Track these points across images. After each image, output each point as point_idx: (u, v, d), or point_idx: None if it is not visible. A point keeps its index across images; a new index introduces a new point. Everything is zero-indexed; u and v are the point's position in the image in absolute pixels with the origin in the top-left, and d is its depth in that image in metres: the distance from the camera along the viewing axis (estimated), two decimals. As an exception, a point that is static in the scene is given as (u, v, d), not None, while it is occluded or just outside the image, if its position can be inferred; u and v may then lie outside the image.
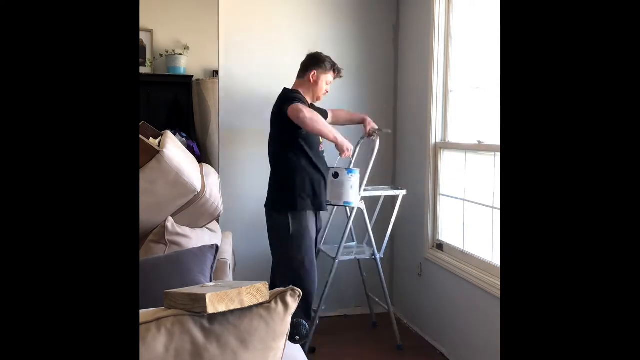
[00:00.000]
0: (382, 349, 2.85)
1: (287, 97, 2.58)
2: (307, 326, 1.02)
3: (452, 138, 2.90)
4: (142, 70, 4.53)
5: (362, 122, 2.94)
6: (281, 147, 2.62)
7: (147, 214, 1.78)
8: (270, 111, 2.70)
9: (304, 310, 2.56)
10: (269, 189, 2.68)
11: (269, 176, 2.70)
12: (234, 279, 2.11)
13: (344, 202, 2.59)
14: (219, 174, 2.85)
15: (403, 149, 3.33)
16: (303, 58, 3.25)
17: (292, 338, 1.00)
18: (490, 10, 2.50)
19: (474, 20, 2.68)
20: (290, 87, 2.78)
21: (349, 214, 2.86)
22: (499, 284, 2.09)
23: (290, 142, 2.58)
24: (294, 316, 0.98)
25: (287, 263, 2.58)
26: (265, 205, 2.68)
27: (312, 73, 2.70)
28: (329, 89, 2.80)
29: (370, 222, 2.91)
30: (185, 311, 0.90)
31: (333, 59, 3.25)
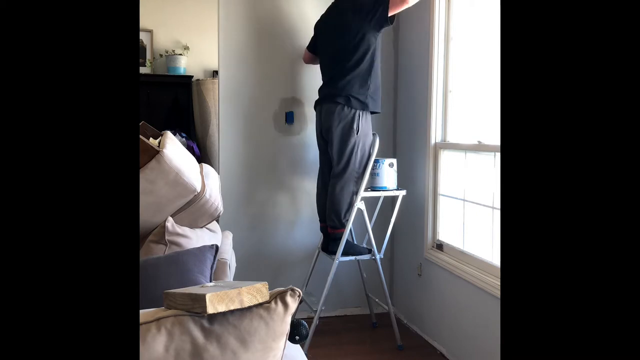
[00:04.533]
0: (382, 349, 2.85)
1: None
2: (307, 326, 1.02)
3: (452, 138, 2.90)
4: (142, 70, 4.54)
5: None
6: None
7: (147, 214, 1.78)
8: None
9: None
10: None
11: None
12: (233, 279, 2.11)
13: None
14: (218, 174, 2.85)
15: (403, 149, 3.33)
16: (303, 58, 3.25)
17: (292, 338, 1.00)
18: (490, 10, 2.50)
19: (473, 21, 2.68)
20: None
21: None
22: (499, 284, 2.09)
23: None
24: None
25: None
26: None
27: None
28: None
29: (370, 222, 2.92)
30: (185, 311, 0.90)
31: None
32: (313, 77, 3.24)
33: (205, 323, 0.90)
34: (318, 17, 3.14)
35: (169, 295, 0.95)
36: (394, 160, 2.97)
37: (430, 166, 2.97)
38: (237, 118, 3.17)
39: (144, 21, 4.51)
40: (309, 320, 2.76)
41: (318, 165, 3.02)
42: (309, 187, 3.21)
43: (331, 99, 2.73)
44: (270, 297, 0.93)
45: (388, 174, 2.93)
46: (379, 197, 3.11)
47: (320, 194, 2.96)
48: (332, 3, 2.91)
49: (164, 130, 2.52)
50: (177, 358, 0.87)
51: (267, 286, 0.93)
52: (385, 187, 2.92)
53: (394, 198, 3.02)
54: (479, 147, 2.58)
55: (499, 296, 2.25)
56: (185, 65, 4.67)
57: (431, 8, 2.92)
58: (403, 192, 2.97)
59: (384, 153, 3.36)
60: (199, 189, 1.91)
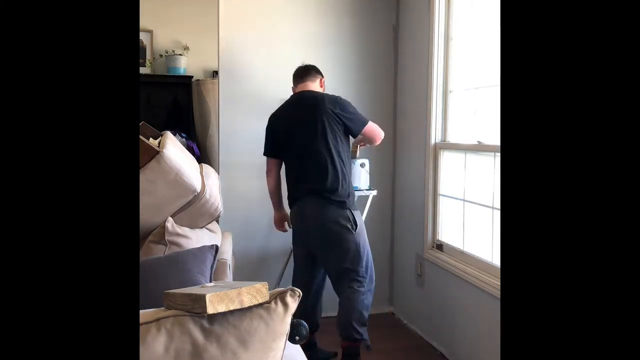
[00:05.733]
0: (382, 349, 2.85)
1: (355, 110, 2.60)
2: (307, 326, 1.02)
3: (452, 138, 2.90)
4: (142, 70, 4.53)
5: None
6: (342, 148, 2.55)
7: (147, 214, 1.78)
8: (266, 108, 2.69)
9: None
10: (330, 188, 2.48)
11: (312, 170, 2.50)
12: (233, 279, 2.11)
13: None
14: (218, 174, 2.85)
15: (403, 149, 3.33)
16: (302, 58, 3.23)
17: (292, 338, 1.00)
18: (489, 11, 2.50)
19: (473, 21, 2.69)
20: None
21: None
22: (499, 284, 2.09)
23: (347, 146, 2.59)
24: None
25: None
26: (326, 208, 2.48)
27: (322, 80, 2.71)
28: None
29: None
30: (185, 312, 0.90)
31: (333, 59, 3.27)
32: (313, 77, 3.24)
33: (205, 323, 0.90)
34: (319, 17, 3.15)
35: (169, 296, 0.95)
36: (366, 161, 3.01)
37: (430, 166, 2.97)
38: (237, 118, 3.17)
39: (144, 21, 4.51)
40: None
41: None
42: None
43: None
44: (270, 298, 0.93)
45: (360, 174, 2.97)
46: (367, 197, 3.12)
47: None
48: None
49: (164, 130, 2.52)
50: (177, 358, 0.87)
51: (267, 286, 0.93)
52: (357, 187, 2.94)
53: (384, 198, 3.03)
54: (479, 147, 2.58)
55: (499, 296, 2.25)
56: (185, 65, 4.67)
57: (431, 8, 2.92)
58: (374, 192, 3.02)
59: (384, 153, 3.36)
60: (199, 189, 1.91)
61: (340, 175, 2.50)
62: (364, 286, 2.54)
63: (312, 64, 2.74)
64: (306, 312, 2.65)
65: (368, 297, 2.58)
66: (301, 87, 2.65)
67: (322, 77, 2.71)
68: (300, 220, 2.58)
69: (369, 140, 2.71)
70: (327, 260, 2.56)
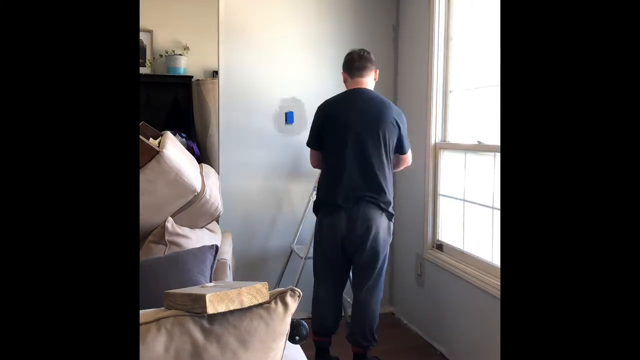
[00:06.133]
0: (382, 350, 2.85)
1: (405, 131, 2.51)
2: (307, 326, 1.02)
3: (452, 138, 2.90)
4: (142, 70, 4.53)
5: None
6: (387, 159, 2.45)
7: (147, 214, 1.78)
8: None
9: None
10: (379, 192, 2.42)
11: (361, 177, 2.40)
12: (233, 279, 2.11)
13: None
14: (218, 174, 2.85)
15: (403, 149, 3.33)
16: (302, 58, 3.24)
17: (292, 338, 1.00)
18: (489, 11, 2.50)
19: (473, 21, 2.69)
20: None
21: None
22: (499, 284, 2.09)
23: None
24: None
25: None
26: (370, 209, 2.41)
27: (377, 71, 2.57)
28: None
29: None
30: (185, 311, 0.90)
31: (333, 59, 3.27)
32: (313, 77, 3.24)
33: (205, 323, 0.90)
34: (319, 17, 3.14)
35: (169, 296, 0.95)
36: None
37: (430, 166, 2.97)
38: (237, 118, 3.18)
39: (144, 21, 4.51)
40: (309, 320, 2.76)
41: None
42: (310, 187, 3.21)
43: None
44: (270, 298, 0.93)
45: None
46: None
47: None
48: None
49: (164, 130, 2.52)
50: (177, 358, 0.87)
51: (267, 286, 0.93)
52: None
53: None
54: (479, 147, 2.58)
55: (499, 296, 2.25)
56: (185, 65, 4.67)
57: (431, 8, 2.92)
58: None
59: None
60: (199, 189, 1.91)
61: (392, 188, 2.48)
62: (380, 290, 2.56)
63: (365, 50, 2.56)
64: (335, 315, 2.63)
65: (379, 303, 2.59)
66: (359, 82, 2.48)
67: (376, 68, 2.56)
68: (349, 226, 2.40)
69: (401, 163, 2.59)
70: (362, 264, 2.49)
